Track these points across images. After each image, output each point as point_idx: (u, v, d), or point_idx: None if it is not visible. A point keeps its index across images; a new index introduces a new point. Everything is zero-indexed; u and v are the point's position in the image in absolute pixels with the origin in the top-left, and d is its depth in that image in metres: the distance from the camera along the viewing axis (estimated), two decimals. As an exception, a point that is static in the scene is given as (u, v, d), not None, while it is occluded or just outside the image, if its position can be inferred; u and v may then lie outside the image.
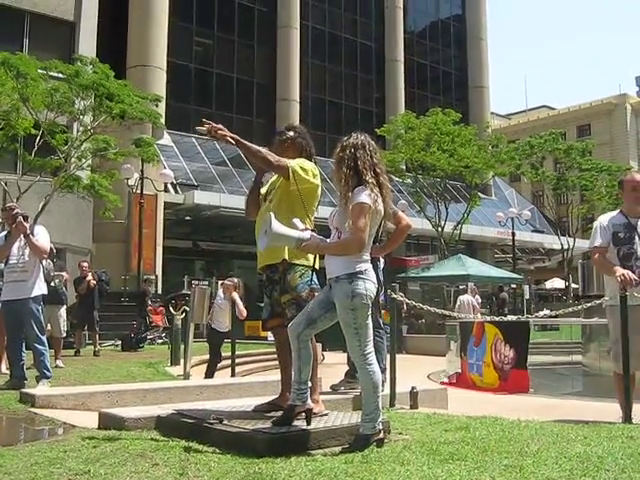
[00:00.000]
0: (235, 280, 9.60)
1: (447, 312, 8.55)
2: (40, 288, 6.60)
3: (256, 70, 32.18)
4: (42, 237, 6.64)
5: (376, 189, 3.55)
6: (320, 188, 4.20)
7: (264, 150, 4.12)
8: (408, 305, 19.20)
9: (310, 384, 3.70)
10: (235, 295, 9.10)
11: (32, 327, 6.44)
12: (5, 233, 6.85)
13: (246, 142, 4.08)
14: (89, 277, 12.38)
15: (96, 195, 16.92)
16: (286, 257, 4.03)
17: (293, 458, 3.16)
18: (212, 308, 9.32)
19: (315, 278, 4.06)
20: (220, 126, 3.97)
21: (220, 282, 10.21)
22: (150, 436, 3.75)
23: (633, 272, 4.80)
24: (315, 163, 4.27)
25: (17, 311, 6.47)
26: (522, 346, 9.29)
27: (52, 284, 9.28)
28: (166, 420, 3.97)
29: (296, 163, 4.08)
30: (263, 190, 4.29)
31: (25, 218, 6.59)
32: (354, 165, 3.58)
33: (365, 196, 3.49)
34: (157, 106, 17.92)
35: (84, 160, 16.31)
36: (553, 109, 62.15)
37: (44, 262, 6.95)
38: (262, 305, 4.23)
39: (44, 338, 6.60)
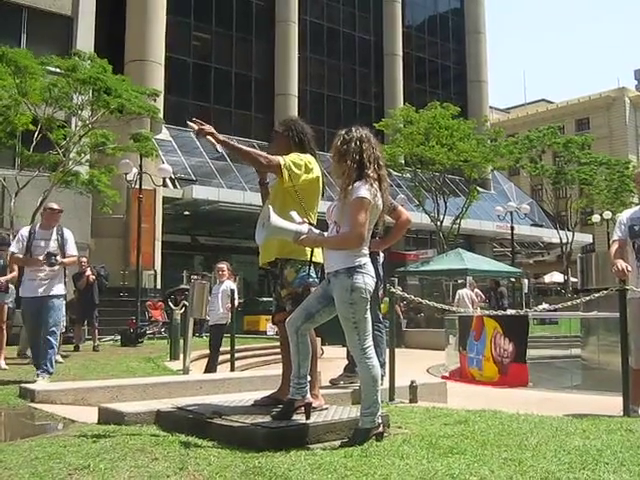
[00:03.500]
0: (226, 263, 9.52)
1: (446, 306, 8.54)
2: (64, 287, 6.82)
3: (254, 65, 32.10)
4: (70, 246, 6.80)
5: (376, 183, 3.53)
6: (320, 180, 4.16)
7: (253, 151, 4.08)
8: (405, 306, 19.40)
9: (309, 378, 3.70)
10: (232, 284, 9.06)
11: (49, 321, 6.56)
12: (29, 228, 6.94)
13: (234, 144, 4.05)
14: (88, 272, 12.37)
15: (95, 190, 16.88)
16: (278, 255, 4.03)
17: (292, 452, 3.16)
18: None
19: (313, 272, 4.03)
20: (210, 128, 3.93)
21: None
22: (150, 431, 3.75)
23: None
24: (314, 153, 4.23)
25: (39, 308, 6.57)
26: (521, 340, 9.30)
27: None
28: (166, 415, 3.97)
29: (289, 159, 4.03)
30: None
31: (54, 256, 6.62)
32: (359, 158, 3.56)
33: (365, 190, 3.47)
34: (155, 100, 17.87)
35: (83, 155, 16.28)
36: (552, 103, 62.06)
37: None
38: (260, 300, 4.23)
39: (58, 334, 6.74)
